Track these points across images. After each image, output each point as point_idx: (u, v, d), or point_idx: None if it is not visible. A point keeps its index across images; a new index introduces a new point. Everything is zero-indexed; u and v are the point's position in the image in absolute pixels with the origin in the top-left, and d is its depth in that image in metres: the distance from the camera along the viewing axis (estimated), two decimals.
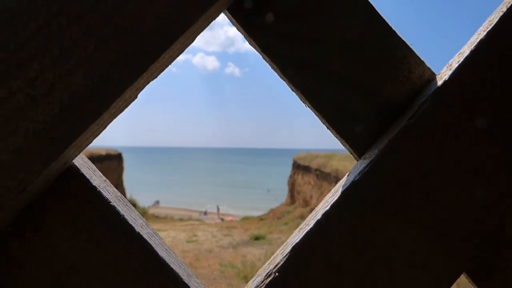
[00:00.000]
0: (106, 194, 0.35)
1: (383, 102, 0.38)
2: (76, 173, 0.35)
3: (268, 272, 0.33)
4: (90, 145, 0.37)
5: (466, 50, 0.36)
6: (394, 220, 0.33)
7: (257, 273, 0.35)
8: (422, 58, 0.39)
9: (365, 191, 0.33)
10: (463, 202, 0.34)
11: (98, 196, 0.35)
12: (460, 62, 0.35)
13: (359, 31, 0.38)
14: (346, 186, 0.34)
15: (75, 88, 0.31)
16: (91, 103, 0.31)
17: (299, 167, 23.69)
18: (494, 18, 0.37)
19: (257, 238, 13.14)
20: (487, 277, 0.38)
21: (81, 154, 0.36)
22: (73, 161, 0.35)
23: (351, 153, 0.39)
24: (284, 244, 0.35)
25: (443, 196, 0.34)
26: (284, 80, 0.40)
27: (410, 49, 0.39)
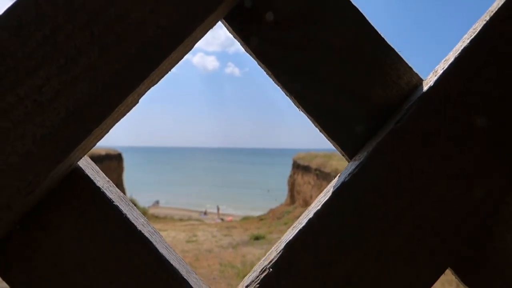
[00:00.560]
0: (109, 194, 0.37)
1: (372, 107, 0.40)
2: (80, 174, 0.37)
3: (263, 268, 0.35)
4: None
5: (451, 57, 0.38)
6: (381, 219, 0.35)
7: (253, 269, 0.37)
8: (410, 65, 0.41)
9: (354, 192, 0.35)
10: (448, 202, 0.36)
11: (101, 196, 0.36)
12: (445, 68, 0.37)
13: (350, 39, 0.40)
14: (337, 186, 0.36)
15: (80, 94, 0.33)
16: (95, 109, 0.33)
17: (298, 167, 23.71)
18: (478, 26, 0.39)
19: (257, 238, 13.17)
20: (471, 272, 0.40)
21: (85, 156, 0.38)
22: (78, 163, 0.37)
23: (343, 155, 0.41)
24: (279, 241, 0.37)
25: (428, 196, 0.36)
26: (278, 85, 0.41)
27: (399, 56, 0.41)
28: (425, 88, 0.37)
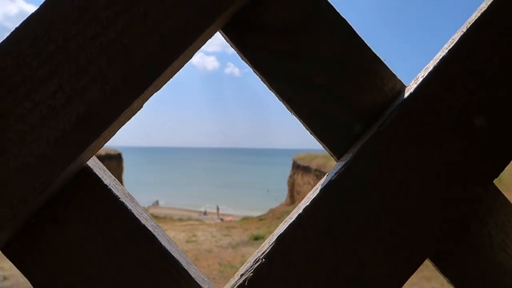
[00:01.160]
0: (115, 191, 0.40)
1: (359, 111, 0.43)
2: (89, 173, 0.40)
3: (257, 259, 0.38)
4: None
5: (431, 65, 0.41)
6: (365, 214, 0.38)
7: (248, 260, 0.40)
8: (394, 72, 0.44)
9: (340, 189, 0.38)
10: (427, 199, 0.39)
11: (108, 193, 0.40)
12: (424, 76, 0.40)
13: (339, 48, 0.43)
14: (324, 184, 0.39)
15: (90, 100, 0.36)
16: (103, 113, 0.36)
17: (298, 167, 23.75)
18: (456, 36, 0.42)
19: (256, 238, 13.19)
20: (450, 265, 0.43)
21: (93, 156, 0.41)
22: (87, 162, 0.40)
23: (332, 156, 0.44)
24: (272, 234, 0.40)
25: (408, 193, 0.39)
26: (271, 91, 0.45)
27: (383, 63, 0.44)
28: (406, 94, 0.40)
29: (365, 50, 0.44)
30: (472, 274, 0.44)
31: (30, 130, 0.35)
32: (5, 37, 0.36)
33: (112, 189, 0.40)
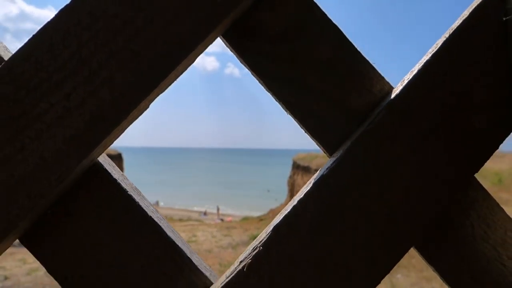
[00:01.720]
0: (124, 185, 0.43)
1: (350, 111, 0.46)
2: (100, 168, 0.43)
3: (255, 247, 0.41)
4: None
5: (416, 68, 0.45)
6: (355, 206, 0.42)
7: (247, 248, 0.43)
8: (382, 74, 0.47)
9: (331, 183, 0.42)
10: (412, 192, 0.42)
11: (118, 187, 0.43)
12: (409, 78, 0.44)
13: (331, 53, 0.46)
14: (317, 178, 0.42)
15: (101, 101, 0.39)
16: (113, 113, 0.40)
17: (298, 168, 23.80)
18: (439, 42, 0.45)
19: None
20: (435, 255, 0.46)
21: (103, 153, 0.45)
22: (97, 158, 0.43)
23: (325, 153, 0.47)
24: (269, 225, 0.43)
25: (394, 187, 0.42)
26: (268, 92, 0.48)
27: (373, 67, 0.47)
28: (393, 95, 0.44)
29: (356, 54, 0.47)
30: (456, 263, 0.47)
31: (47, 129, 0.39)
32: (23, 43, 0.40)
33: (121, 183, 0.43)
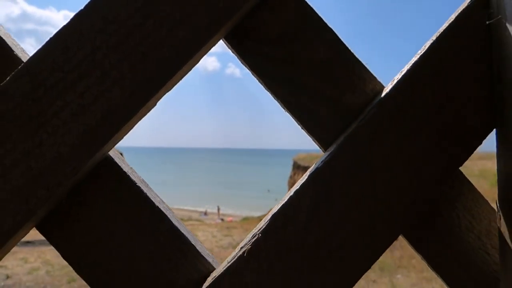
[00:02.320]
0: (133, 177, 0.47)
1: (343, 109, 0.49)
2: (111, 161, 0.46)
3: (254, 234, 0.45)
4: None
5: (405, 69, 0.48)
6: (347, 196, 0.45)
7: (247, 236, 0.46)
8: (374, 74, 0.51)
9: (325, 174, 0.45)
10: (400, 183, 0.46)
11: (127, 179, 0.46)
12: (399, 78, 0.47)
13: (326, 54, 0.50)
14: (312, 171, 0.45)
15: (112, 99, 0.43)
16: (124, 110, 0.43)
17: (299, 168, 23.82)
18: (427, 44, 0.48)
19: None
20: (423, 244, 0.50)
21: (114, 147, 0.48)
22: (108, 152, 0.46)
23: (320, 148, 0.51)
24: (267, 214, 0.46)
25: (384, 178, 0.45)
26: (268, 91, 0.51)
27: (365, 67, 0.50)
28: (383, 94, 0.47)
29: (349, 55, 0.50)
30: (442, 251, 0.50)
31: (63, 125, 0.42)
32: (40, 46, 0.43)
33: (130, 175, 0.47)
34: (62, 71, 0.42)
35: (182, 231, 0.47)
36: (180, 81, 0.49)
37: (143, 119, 0.48)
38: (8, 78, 0.42)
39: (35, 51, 0.43)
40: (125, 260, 0.46)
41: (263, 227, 0.44)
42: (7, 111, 0.42)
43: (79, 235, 0.45)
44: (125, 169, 0.47)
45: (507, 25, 0.44)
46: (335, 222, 0.44)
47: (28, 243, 10.51)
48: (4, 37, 0.46)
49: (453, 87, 0.46)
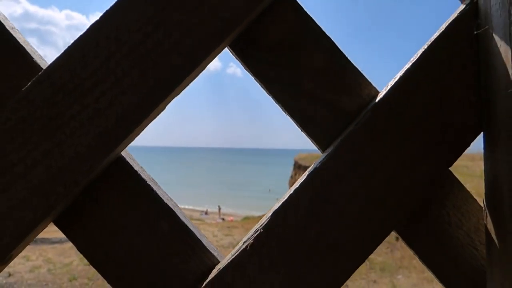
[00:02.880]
0: (143, 176, 0.50)
1: (341, 112, 0.53)
2: (123, 161, 0.50)
3: (256, 229, 0.48)
4: None
5: (398, 75, 0.51)
6: (344, 193, 0.48)
7: (249, 231, 0.49)
8: (369, 80, 0.54)
9: (323, 174, 0.48)
10: (393, 183, 0.49)
11: (138, 177, 0.50)
12: (392, 84, 0.50)
13: (324, 61, 0.53)
14: (311, 170, 0.49)
15: (125, 103, 0.46)
16: (136, 114, 0.46)
17: (300, 168, 23.85)
18: (419, 52, 0.52)
19: None
20: (414, 237, 0.53)
21: (126, 148, 0.51)
22: (121, 153, 0.50)
23: (318, 149, 0.54)
24: (269, 211, 0.50)
25: (378, 178, 0.48)
26: (269, 95, 0.54)
27: (361, 73, 0.54)
28: (377, 99, 0.50)
29: (346, 62, 0.53)
30: (433, 247, 0.53)
31: (80, 127, 0.45)
32: (59, 54, 0.46)
33: (141, 174, 0.50)
34: (80, 77, 0.45)
35: (189, 227, 0.50)
36: None
37: None
38: (29, 83, 0.46)
39: (54, 58, 0.46)
40: (136, 253, 0.49)
41: (265, 223, 0.47)
42: (28, 114, 0.45)
43: (93, 229, 0.49)
44: (136, 168, 0.50)
45: (494, 35, 0.47)
46: (332, 219, 0.48)
47: None
48: (24, 45, 0.49)
49: (443, 93, 0.50)
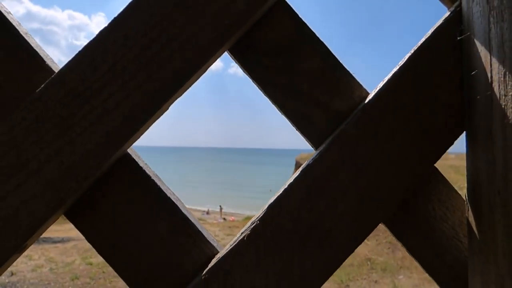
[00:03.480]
0: (148, 172, 0.54)
1: (333, 113, 0.56)
2: (129, 158, 0.53)
3: (253, 221, 0.51)
4: None
5: (386, 78, 0.55)
6: (334, 187, 0.51)
7: (246, 224, 0.53)
8: (360, 82, 0.57)
9: (315, 170, 0.52)
10: (381, 178, 0.52)
11: (143, 173, 0.53)
12: (380, 87, 0.54)
13: (318, 65, 0.56)
14: (304, 167, 0.52)
15: (132, 104, 0.49)
16: (141, 114, 0.50)
17: None
18: (407, 56, 0.55)
19: None
20: (401, 230, 0.56)
21: (131, 145, 0.55)
22: (127, 150, 0.53)
23: (312, 147, 0.57)
24: (265, 204, 0.53)
25: (366, 174, 0.52)
26: (266, 96, 0.58)
27: (353, 76, 0.57)
28: (367, 100, 0.53)
29: (338, 65, 0.57)
30: (420, 239, 0.57)
31: (89, 126, 0.49)
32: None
33: (146, 170, 0.53)
34: (89, 80, 0.49)
35: (191, 219, 0.54)
36: None
37: None
38: (42, 86, 0.49)
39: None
40: (141, 244, 0.53)
41: (261, 215, 0.51)
42: (41, 114, 0.48)
43: (101, 221, 0.52)
44: (141, 164, 0.54)
45: (475, 40, 0.51)
46: (323, 212, 0.51)
47: None
48: (37, 49, 0.53)
49: (428, 95, 0.53)
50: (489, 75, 0.48)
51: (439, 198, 0.57)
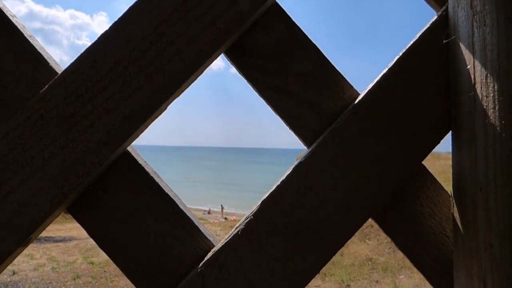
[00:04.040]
0: (147, 169, 0.56)
1: (325, 113, 0.58)
2: (129, 155, 0.56)
3: (247, 217, 0.54)
4: None
5: (376, 79, 0.57)
6: (323, 186, 0.54)
7: (241, 219, 0.55)
8: (351, 83, 0.60)
9: (306, 167, 0.54)
10: (370, 176, 0.55)
11: (143, 170, 0.56)
12: (370, 88, 0.56)
13: (311, 67, 0.59)
14: (296, 164, 0.55)
15: (132, 104, 0.52)
16: (141, 113, 0.52)
17: None
18: (396, 58, 0.57)
19: None
20: (390, 225, 0.58)
21: (131, 144, 0.57)
22: (127, 148, 0.56)
23: (304, 145, 0.60)
24: (259, 201, 0.56)
25: (356, 171, 0.54)
26: (261, 97, 0.60)
27: (344, 78, 0.59)
28: (356, 101, 0.56)
29: (330, 67, 0.59)
30: (408, 234, 0.59)
31: (91, 125, 0.51)
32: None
33: (145, 167, 0.56)
34: (91, 81, 0.52)
35: (188, 215, 0.56)
36: None
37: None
38: (46, 86, 0.52)
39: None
40: (140, 237, 0.55)
41: (255, 211, 0.53)
42: (45, 113, 0.51)
43: (102, 216, 0.55)
44: (141, 161, 0.56)
45: (460, 44, 0.53)
46: (314, 207, 0.53)
47: None
48: (40, 51, 0.55)
49: (416, 96, 0.55)
50: (472, 77, 0.50)
51: (426, 194, 0.59)
